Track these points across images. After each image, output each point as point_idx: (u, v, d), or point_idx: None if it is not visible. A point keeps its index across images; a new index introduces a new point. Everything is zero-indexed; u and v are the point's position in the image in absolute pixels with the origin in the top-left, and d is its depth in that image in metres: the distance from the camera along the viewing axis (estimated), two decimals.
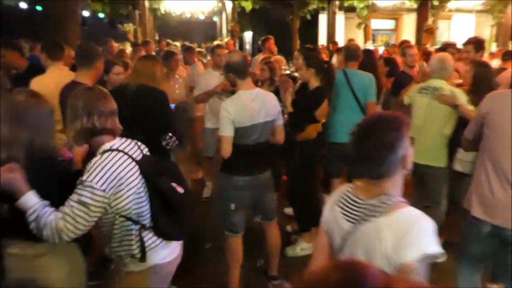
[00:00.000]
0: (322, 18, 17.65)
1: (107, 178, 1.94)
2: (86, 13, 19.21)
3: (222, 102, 3.16)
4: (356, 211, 1.54)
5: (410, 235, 1.40)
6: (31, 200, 1.89)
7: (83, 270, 2.27)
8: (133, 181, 2.03)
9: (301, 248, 3.98)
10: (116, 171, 1.97)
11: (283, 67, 6.06)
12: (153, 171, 2.13)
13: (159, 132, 3.21)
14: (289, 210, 4.64)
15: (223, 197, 3.23)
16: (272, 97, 3.25)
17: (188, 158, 5.17)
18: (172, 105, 3.61)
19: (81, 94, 2.08)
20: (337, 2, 15.16)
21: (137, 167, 2.07)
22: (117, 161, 2.00)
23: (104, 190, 1.93)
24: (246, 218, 3.35)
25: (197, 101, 5.04)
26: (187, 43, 9.62)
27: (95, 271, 2.85)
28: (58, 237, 1.90)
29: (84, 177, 1.93)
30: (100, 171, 1.94)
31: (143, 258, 2.10)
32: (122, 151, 2.05)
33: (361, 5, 15.49)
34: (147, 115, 3.18)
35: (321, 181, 4.32)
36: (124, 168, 2.01)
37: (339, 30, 16.62)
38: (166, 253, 2.22)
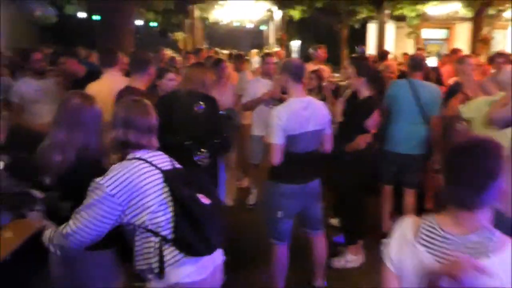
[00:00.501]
0: (371, 27, 17.38)
1: (120, 184, 1.90)
2: (138, 22, 19.92)
3: (270, 110, 3.16)
4: (439, 243, 1.39)
5: None
6: (46, 234, 2.02)
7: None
8: (152, 190, 1.96)
9: (347, 260, 3.89)
10: (131, 178, 1.93)
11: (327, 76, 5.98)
12: (178, 181, 2.03)
13: (207, 137, 3.23)
14: (334, 221, 4.55)
15: (270, 204, 3.21)
16: (322, 106, 3.22)
17: (234, 165, 5.19)
18: (220, 112, 3.65)
19: (125, 105, 2.10)
20: (387, 11, 14.86)
21: (161, 176, 2.00)
22: (135, 168, 1.96)
23: (113, 195, 1.89)
24: (293, 227, 3.31)
25: (244, 109, 5.06)
26: (235, 51, 9.73)
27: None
28: (65, 241, 1.93)
29: (98, 179, 1.92)
30: (113, 176, 1.92)
31: (161, 273, 1.95)
32: (145, 160, 2.01)
33: (412, 13, 15.11)
34: (196, 120, 3.22)
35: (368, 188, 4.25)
36: (141, 176, 1.95)
37: (389, 39, 16.29)
38: (191, 271, 2.01)
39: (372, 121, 3.68)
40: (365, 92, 3.68)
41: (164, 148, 2.20)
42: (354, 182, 3.78)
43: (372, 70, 3.82)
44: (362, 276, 3.75)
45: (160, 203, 1.96)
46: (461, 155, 1.40)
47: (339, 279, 3.69)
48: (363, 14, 16.15)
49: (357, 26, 17.23)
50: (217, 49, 12.69)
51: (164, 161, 2.10)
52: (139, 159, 2.01)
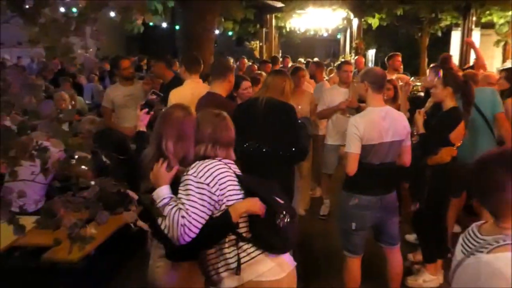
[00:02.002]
0: (455, 35, 16.49)
1: (210, 174, 2.01)
2: (216, 31, 20.58)
3: (347, 119, 3.12)
4: (472, 244, 1.47)
5: (505, 279, 1.24)
6: (163, 191, 2.05)
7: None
8: (232, 187, 2.06)
9: (424, 280, 3.68)
10: (217, 172, 2.04)
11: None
12: (254, 182, 2.15)
13: (286, 145, 3.25)
14: (411, 237, 4.36)
15: (344, 216, 3.15)
16: (402, 116, 3.12)
17: (307, 175, 5.17)
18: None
19: (210, 120, 2.20)
20: (473, 18, 14.05)
21: (234, 176, 2.11)
22: (218, 165, 2.07)
23: (208, 184, 1.99)
24: (367, 240, 3.23)
25: (320, 117, 5.04)
26: (312, 60, 9.70)
27: None
28: (177, 232, 1.93)
29: (189, 172, 2.02)
30: (203, 169, 2.02)
31: (238, 270, 2.01)
32: (224, 163, 2.12)
33: (502, 20, 14.15)
34: (275, 128, 3.25)
35: (464, 207, 4.04)
36: (223, 173, 2.06)
37: None
38: (264, 270, 2.05)
39: (457, 134, 3.49)
40: (449, 103, 3.51)
41: (242, 154, 2.28)
42: (435, 197, 3.60)
43: (459, 79, 3.62)
44: None
45: (238, 200, 2.06)
46: (478, 165, 1.47)
47: None
48: (447, 21, 15.41)
49: (439, 34, 16.46)
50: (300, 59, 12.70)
51: (237, 168, 2.20)
52: (219, 161, 2.12)
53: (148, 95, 3.16)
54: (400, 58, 6.31)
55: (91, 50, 1.16)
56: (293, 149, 3.26)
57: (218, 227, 2.02)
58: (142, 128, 2.72)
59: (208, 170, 2.03)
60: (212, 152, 2.15)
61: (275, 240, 2.04)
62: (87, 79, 9.33)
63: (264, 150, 3.18)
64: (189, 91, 3.79)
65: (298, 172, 4.31)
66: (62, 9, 1.14)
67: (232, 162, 2.22)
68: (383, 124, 2.95)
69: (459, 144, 3.61)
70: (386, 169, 3.04)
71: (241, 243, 2.04)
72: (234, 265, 2.02)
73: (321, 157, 5.20)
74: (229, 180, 2.07)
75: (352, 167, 2.95)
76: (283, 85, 3.39)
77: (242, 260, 2.02)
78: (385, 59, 6.54)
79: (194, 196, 1.98)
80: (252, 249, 2.04)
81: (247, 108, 3.40)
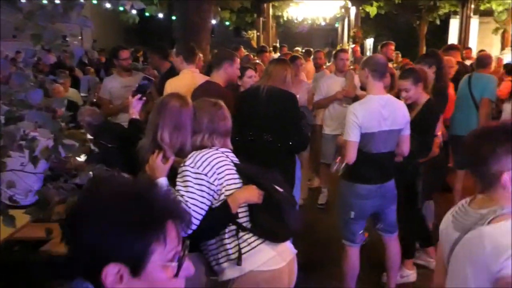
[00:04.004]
0: (454, 23, 16.39)
1: (208, 164, 1.99)
2: (213, 21, 20.45)
3: (344, 108, 3.10)
4: (466, 219, 1.48)
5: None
6: (160, 183, 2.00)
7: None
8: (231, 176, 2.05)
9: (402, 275, 3.55)
10: (215, 161, 2.03)
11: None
12: (251, 172, 2.13)
13: (288, 134, 3.22)
14: None
15: (343, 205, 3.15)
16: (402, 105, 3.09)
17: (306, 165, 5.15)
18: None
19: (207, 110, 2.18)
20: (472, 6, 13.94)
21: (233, 165, 2.10)
22: (216, 154, 2.07)
23: (205, 174, 1.98)
24: (367, 228, 3.23)
25: (317, 106, 5.00)
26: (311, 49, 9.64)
27: None
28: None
29: (186, 163, 2.01)
30: (200, 159, 2.01)
31: (239, 260, 1.98)
32: (221, 152, 2.11)
33: (500, 8, 14.04)
34: (277, 116, 3.21)
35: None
36: (221, 162, 2.05)
37: (472, 36, 15.29)
38: (265, 259, 2.02)
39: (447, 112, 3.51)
40: (423, 97, 3.40)
41: (243, 143, 2.26)
42: (428, 191, 3.58)
43: (418, 70, 3.51)
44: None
45: (236, 189, 2.04)
46: (466, 140, 1.52)
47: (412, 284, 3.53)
48: (445, 9, 15.30)
49: (438, 22, 16.35)
50: (297, 48, 12.64)
51: (234, 157, 2.19)
52: (216, 150, 2.11)
53: (139, 81, 3.12)
54: (393, 47, 6.31)
55: (80, 38, 1.13)
56: (295, 138, 3.23)
57: (218, 218, 2.00)
58: (135, 115, 2.69)
59: (206, 159, 2.01)
60: (209, 141, 2.13)
61: (277, 228, 2.04)
62: (83, 72, 9.28)
63: (266, 139, 3.16)
64: (186, 81, 3.75)
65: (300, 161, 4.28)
66: None
67: (230, 151, 2.20)
68: (382, 113, 2.93)
69: (440, 133, 3.65)
70: (385, 158, 3.03)
71: (241, 233, 2.02)
72: (235, 256, 2.00)
73: (319, 146, 5.18)
74: (227, 169, 2.05)
75: (351, 155, 2.93)
76: (284, 73, 3.35)
77: (243, 250, 2.00)
78: (379, 47, 6.52)
79: (192, 187, 1.96)
80: (253, 238, 2.03)
81: (249, 96, 3.37)
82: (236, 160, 2.17)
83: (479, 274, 1.31)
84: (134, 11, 3.29)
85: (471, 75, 4.76)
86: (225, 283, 2.07)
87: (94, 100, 6.55)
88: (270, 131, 3.17)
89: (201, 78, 3.71)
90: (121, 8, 2.76)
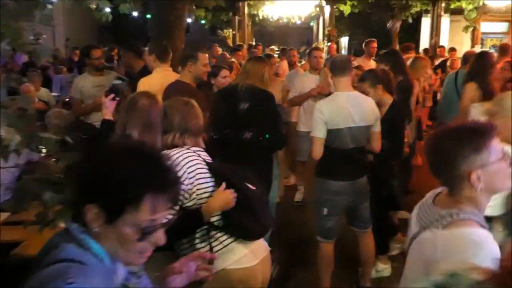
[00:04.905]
0: (425, 22, 16.73)
1: (176, 163, 1.95)
2: (189, 20, 20.31)
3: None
4: (426, 216, 1.46)
5: (462, 257, 1.25)
6: None
7: None
8: (202, 176, 2.02)
9: (377, 269, 3.61)
10: (185, 161, 2.00)
11: None
12: (224, 170, 2.11)
13: (265, 132, 3.23)
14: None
15: (317, 201, 3.18)
16: (370, 102, 3.13)
17: (282, 162, 5.18)
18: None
19: (179, 109, 2.14)
20: (443, 4, 14.25)
21: (204, 163, 2.07)
22: (186, 154, 2.03)
23: None
24: (341, 225, 3.27)
25: (291, 104, 5.04)
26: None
27: None
28: None
29: None
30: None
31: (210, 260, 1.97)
32: (192, 151, 2.08)
33: (470, 6, 14.40)
34: (254, 114, 3.22)
35: None
36: (192, 161, 2.02)
37: (443, 34, 15.63)
38: (238, 258, 2.02)
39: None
40: (387, 98, 3.46)
41: (222, 141, 2.24)
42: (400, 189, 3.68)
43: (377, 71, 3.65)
44: None
45: (207, 190, 2.02)
46: (433, 136, 1.50)
47: (387, 279, 3.59)
48: (416, 8, 15.60)
49: (410, 20, 16.65)
50: (273, 47, 12.67)
51: (207, 155, 2.16)
52: (188, 149, 2.09)
53: (112, 80, 3.07)
54: (375, 45, 6.47)
55: (44, 36, 1.12)
56: (273, 136, 3.25)
57: (188, 225, 1.98)
58: (108, 116, 2.64)
59: (176, 159, 2.00)
60: (180, 141, 2.10)
61: (249, 226, 2.03)
62: (55, 71, 9.08)
63: (243, 137, 3.17)
64: (159, 80, 3.72)
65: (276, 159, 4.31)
66: None
67: (202, 149, 2.19)
68: (349, 109, 2.97)
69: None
70: (356, 154, 3.07)
71: (213, 232, 2.02)
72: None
73: (293, 144, 5.21)
74: (198, 168, 2.03)
75: (317, 151, 2.97)
76: (262, 71, 3.36)
77: (215, 249, 2.00)
78: (363, 44, 6.68)
79: None
80: (225, 237, 2.03)
81: (227, 94, 3.37)
82: (208, 159, 2.15)
83: (428, 275, 1.30)
84: (107, 9, 3.23)
85: (458, 72, 5.23)
86: (198, 281, 2.06)
87: (67, 99, 6.42)
88: (248, 129, 3.18)
89: (174, 77, 3.69)
90: (94, 6, 2.71)
